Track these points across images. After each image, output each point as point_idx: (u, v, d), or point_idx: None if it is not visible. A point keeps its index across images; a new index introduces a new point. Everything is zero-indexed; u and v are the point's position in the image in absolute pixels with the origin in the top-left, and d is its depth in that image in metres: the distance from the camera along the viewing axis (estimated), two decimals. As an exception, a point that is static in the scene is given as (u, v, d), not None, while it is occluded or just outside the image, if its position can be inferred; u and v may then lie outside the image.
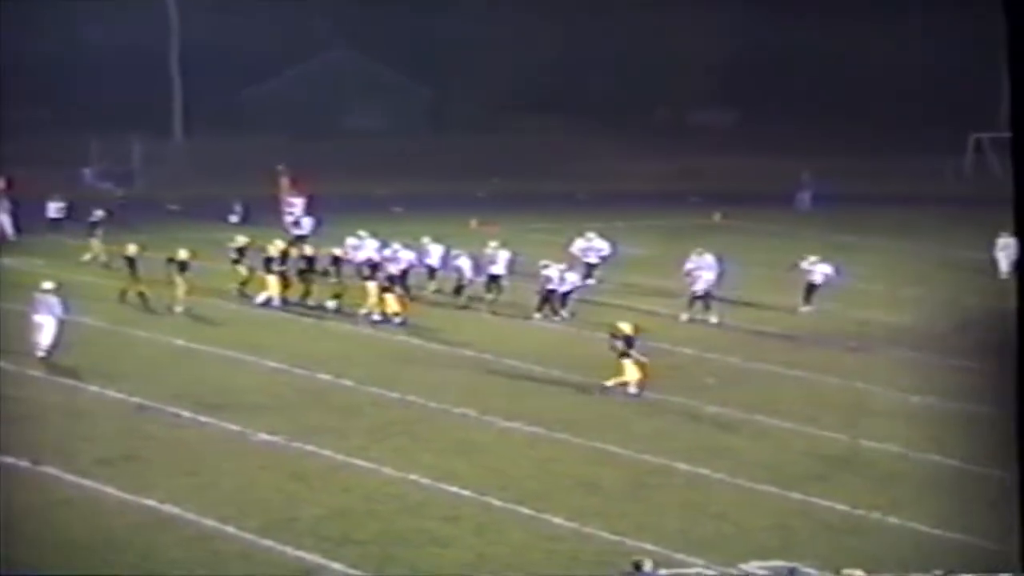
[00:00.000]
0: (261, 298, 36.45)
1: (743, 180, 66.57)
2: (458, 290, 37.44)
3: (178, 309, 35.09)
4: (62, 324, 29.66)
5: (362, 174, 63.70)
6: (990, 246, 43.88)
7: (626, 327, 28.73)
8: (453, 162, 68.84)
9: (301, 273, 36.98)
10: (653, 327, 33.33)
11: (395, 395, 27.77)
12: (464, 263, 37.57)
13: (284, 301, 36.38)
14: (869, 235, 52.43)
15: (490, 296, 37.43)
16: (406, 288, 36.47)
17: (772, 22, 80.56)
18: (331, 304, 36.07)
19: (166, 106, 73.77)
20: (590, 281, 40.04)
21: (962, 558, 19.20)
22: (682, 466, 23.47)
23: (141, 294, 35.79)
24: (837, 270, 38.37)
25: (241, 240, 38.46)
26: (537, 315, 35.94)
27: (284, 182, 52.77)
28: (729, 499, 21.97)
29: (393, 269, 36.25)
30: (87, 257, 41.51)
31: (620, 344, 28.33)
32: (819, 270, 37.99)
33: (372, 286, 35.42)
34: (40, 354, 29.22)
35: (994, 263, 43.42)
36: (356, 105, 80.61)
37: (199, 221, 51.03)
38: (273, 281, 36.53)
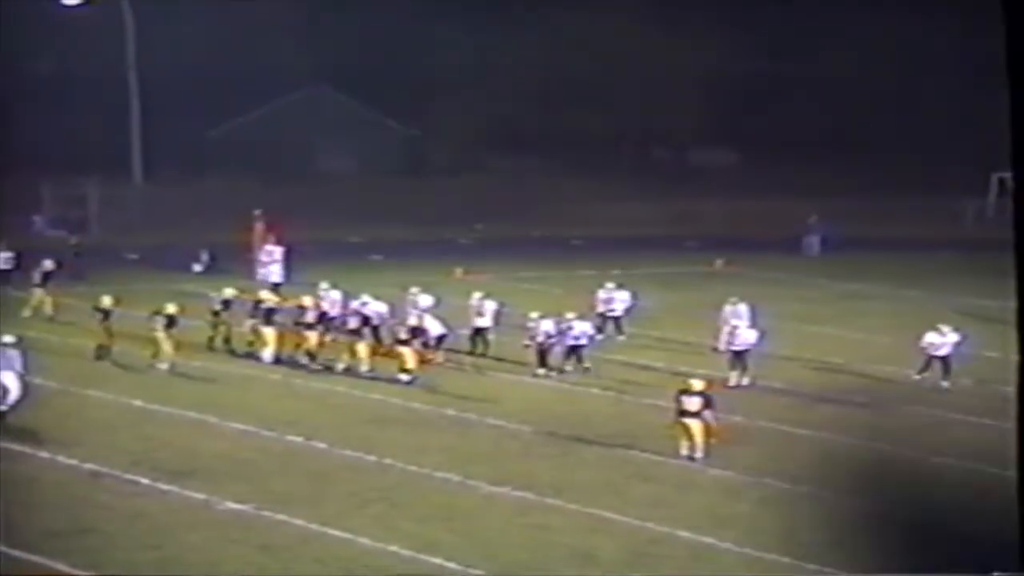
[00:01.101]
0: (268, 356, 36.39)
1: (746, 224, 66.77)
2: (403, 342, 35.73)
3: (163, 366, 35.01)
4: (23, 378, 29.64)
5: (336, 219, 63.75)
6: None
7: (699, 384, 28.26)
8: (434, 205, 68.85)
9: (297, 325, 36.89)
10: (652, 382, 33.31)
11: (372, 459, 27.60)
12: (432, 324, 36.73)
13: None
14: (883, 282, 52.49)
15: (478, 350, 37.39)
16: (379, 340, 36.47)
17: (773, 54, 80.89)
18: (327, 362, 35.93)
19: (125, 146, 73.59)
20: (621, 337, 39.89)
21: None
22: (684, 534, 23.32)
23: (104, 348, 35.82)
24: (964, 336, 36.33)
25: (229, 292, 38.36)
26: (541, 371, 35.71)
27: (259, 228, 52.36)
28: (737, 570, 21.82)
29: (414, 321, 35.95)
30: (27, 312, 41.00)
31: (698, 403, 27.72)
32: (949, 340, 35.88)
33: (361, 344, 35.49)
34: (2, 408, 29.20)
35: None
36: (329, 145, 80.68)
37: (160, 271, 51.02)
38: (271, 334, 36.61)
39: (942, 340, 35.69)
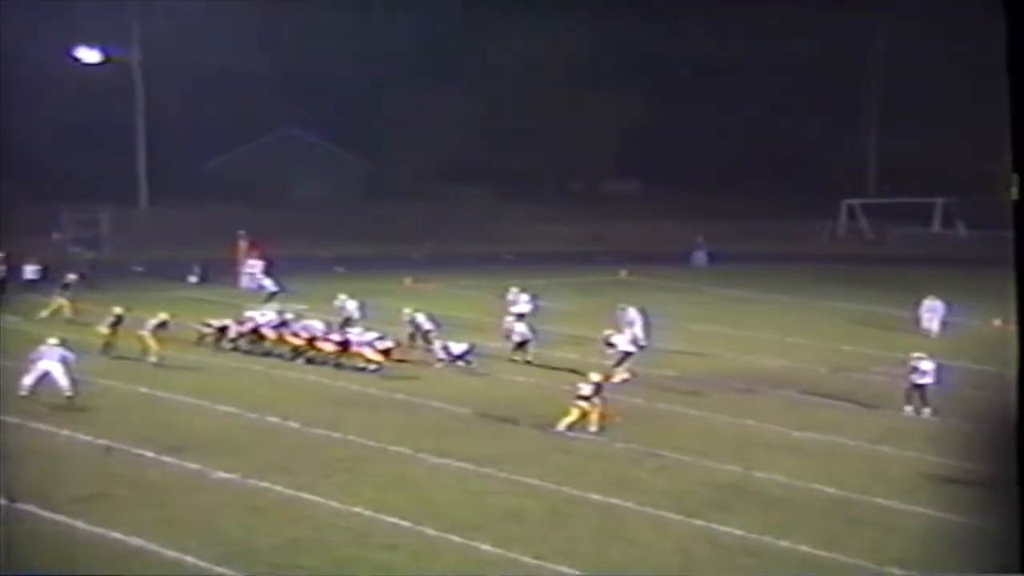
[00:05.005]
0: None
1: (645, 242, 67.11)
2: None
3: (152, 359, 34.76)
4: (68, 369, 29.41)
5: (308, 238, 63.53)
6: (915, 306, 43.53)
7: (595, 376, 28.69)
8: (389, 227, 68.77)
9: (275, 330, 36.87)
10: (563, 375, 33.33)
11: (338, 435, 27.51)
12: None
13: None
14: (756, 289, 52.82)
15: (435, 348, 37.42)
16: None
17: (666, 104, 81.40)
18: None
19: (133, 178, 73.20)
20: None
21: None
22: (595, 496, 23.36)
23: (109, 345, 35.54)
24: (939, 367, 31.02)
25: (229, 321, 38.29)
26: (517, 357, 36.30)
27: (243, 245, 52.27)
28: (637, 526, 21.89)
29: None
30: (44, 314, 40.49)
31: (590, 389, 28.02)
32: (923, 367, 30.64)
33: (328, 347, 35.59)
34: (67, 395, 29.08)
35: (917, 322, 43.07)
36: (302, 176, 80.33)
37: (161, 281, 50.64)
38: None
39: (915, 365, 30.80)
